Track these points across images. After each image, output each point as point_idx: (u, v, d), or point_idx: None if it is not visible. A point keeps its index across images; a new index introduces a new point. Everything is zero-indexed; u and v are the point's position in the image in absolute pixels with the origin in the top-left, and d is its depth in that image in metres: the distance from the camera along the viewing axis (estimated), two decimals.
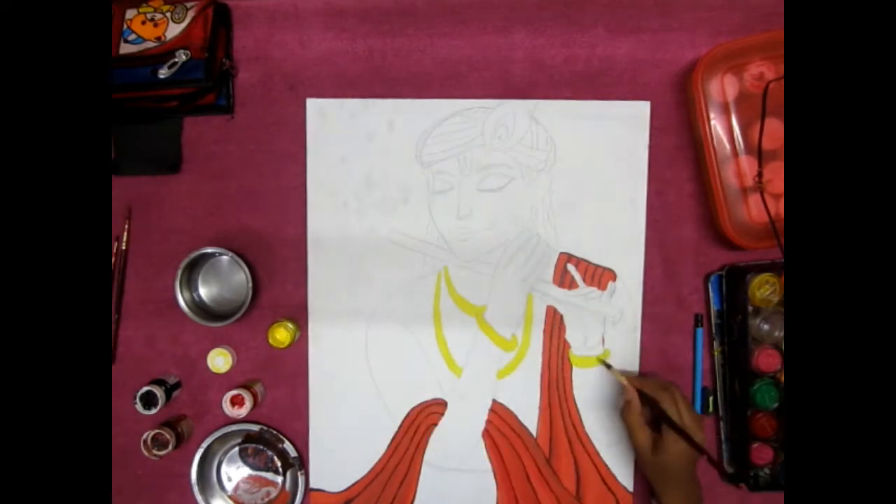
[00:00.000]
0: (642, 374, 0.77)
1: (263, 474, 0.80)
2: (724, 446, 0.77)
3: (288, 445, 0.78)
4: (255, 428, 0.78)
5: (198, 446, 0.78)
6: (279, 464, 0.79)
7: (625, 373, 0.74)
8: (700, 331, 0.77)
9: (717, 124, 0.71)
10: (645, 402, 0.70)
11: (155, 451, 0.74)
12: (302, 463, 0.79)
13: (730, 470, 0.77)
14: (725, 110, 0.71)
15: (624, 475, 0.78)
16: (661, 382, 0.71)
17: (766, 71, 0.71)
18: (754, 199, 0.72)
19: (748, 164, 0.72)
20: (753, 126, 0.70)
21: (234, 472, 0.80)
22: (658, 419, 0.69)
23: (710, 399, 0.77)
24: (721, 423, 0.77)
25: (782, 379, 0.73)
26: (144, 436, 0.74)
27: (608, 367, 0.76)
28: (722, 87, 0.71)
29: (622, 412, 0.71)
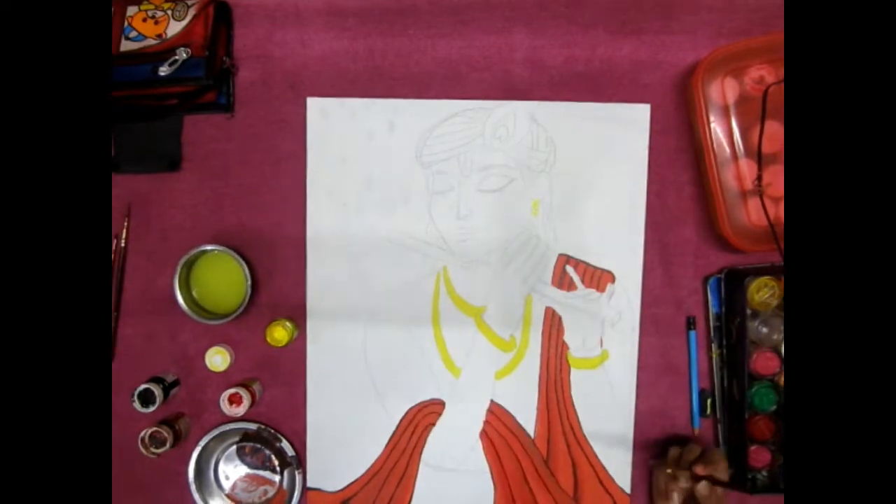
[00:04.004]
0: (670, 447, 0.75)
1: (261, 473, 0.80)
2: (722, 448, 0.77)
3: (285, 444, 0.78)
4: (253, 427, 0.78)
5: (195, 444, 0.78)
6: (276, 462, 0.79)
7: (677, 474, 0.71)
8: (693, 333, 0.77)
9: (717, 127, 0.71)
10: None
11: (153, 449, 0.74)
12: (299, 462, 0.79)
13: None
14: (725, 113, 0.72)
15: (621, 477, 0.78)
16: (704, 451, 0.71)
17: (767, 74, 0.71)
18: (754, 202, 0.72)
19: (748, 168, 0.72)
20: (753, 129, 0.71)
21: (232, 471, 0.80)
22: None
23: (709, 401, 0.77)
24: (719, 426, 0.77)
25: (781, 382, 0.73)
26: (142, 434, 0.74)
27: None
28: (722, 90, 0.71)
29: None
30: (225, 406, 0.75)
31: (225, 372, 0.78)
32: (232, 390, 0.75)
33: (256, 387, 0.78)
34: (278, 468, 0.79)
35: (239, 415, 0.75)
